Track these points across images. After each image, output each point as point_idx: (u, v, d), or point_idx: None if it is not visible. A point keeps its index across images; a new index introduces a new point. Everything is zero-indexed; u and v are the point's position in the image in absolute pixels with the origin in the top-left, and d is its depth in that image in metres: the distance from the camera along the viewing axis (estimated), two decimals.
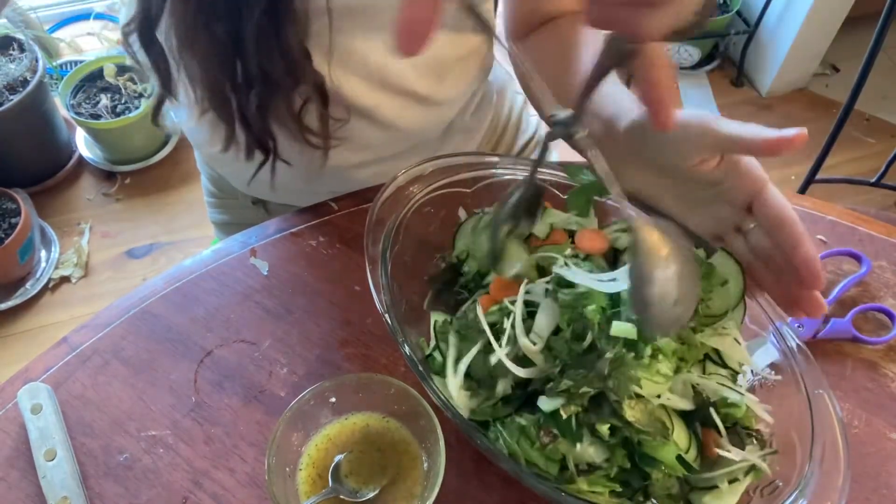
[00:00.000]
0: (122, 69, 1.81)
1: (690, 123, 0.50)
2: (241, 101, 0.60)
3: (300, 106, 0.62)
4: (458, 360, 0.52)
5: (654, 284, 0.41)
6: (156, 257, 1.74)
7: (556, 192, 0.61)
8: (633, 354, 0.46)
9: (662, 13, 0.32)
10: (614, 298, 0.48)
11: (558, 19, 0.72)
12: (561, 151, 0.98)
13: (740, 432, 0.50)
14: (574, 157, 0.68)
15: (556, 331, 0.49)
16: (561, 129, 0.42)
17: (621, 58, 0.38)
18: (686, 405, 0.49)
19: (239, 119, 0.62)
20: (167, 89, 0.63)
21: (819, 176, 1.30)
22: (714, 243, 0.54)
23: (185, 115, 0.74)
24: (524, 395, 0.50)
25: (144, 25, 0.58)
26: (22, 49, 1.71)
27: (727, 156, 0.50)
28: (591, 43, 0.68)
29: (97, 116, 1.76)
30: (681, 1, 0.32)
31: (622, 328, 0.45)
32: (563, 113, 0.42)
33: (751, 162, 0.50)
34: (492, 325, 0.51)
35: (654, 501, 0.49)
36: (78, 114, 1.75)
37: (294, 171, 0.70)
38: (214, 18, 0.55)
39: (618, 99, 0.57)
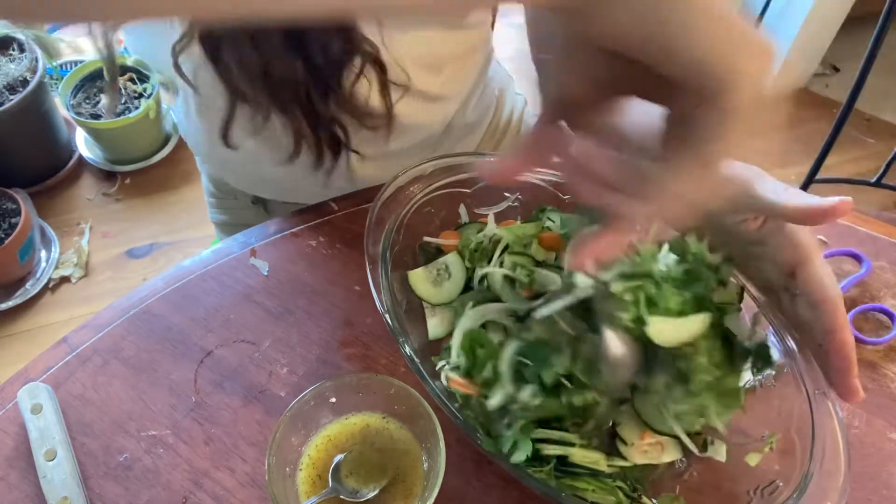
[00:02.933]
0: (122, 69, 1.81)
1: (731, 181, 0.47)
2: (308, 95, 0.60)
3: (353, 82, 0.61)
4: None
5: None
6: (156, 257, 1.74)
7: (557, 193, 0.61)
8: None
9: (641, 206, 0.31)
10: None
11: None
12: None
13: None
14: None
15: None
16: None
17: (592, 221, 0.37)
18: None
19: (306, 115, 0.62)
20: (240, 95, 0.61)
21: (819, 176, 1.30)
22: (765, 295, 0.52)
23: (182, 112, 0.74)
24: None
25: (208, 41, 0.57)
26: (22, 49, 1.71)
27: (771, 218, 0.47)
28: None
29: (97, 116, 1.75)
30: (660, 204, 0.30)
31: None
32: None
33: (797, 228, 0.47)
34: None
35: (654, 502, 0.49)
36: (78, 114, 1.75)
37: (361, 162, 0.71)
38: None
39: None
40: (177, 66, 0.60)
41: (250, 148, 0.71)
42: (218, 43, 0.57)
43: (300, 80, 0.59)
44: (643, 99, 0.31)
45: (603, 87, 0.32)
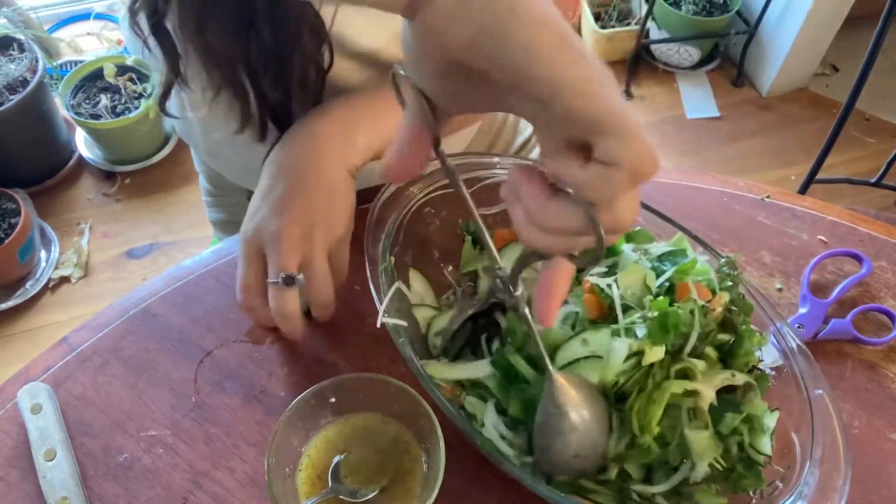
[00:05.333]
0: (122, 69, 1.81)
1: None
2: (258, 74, 0.60)
3: (304, 70, 0.61)
4: None
5: (558, 436, 0.46)
6: (156, 257, 1.74)
7: None
8: None
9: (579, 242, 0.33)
10: None
11: None
12: None
13: None
14: None
15: None
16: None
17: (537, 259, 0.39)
18: None
19: (256, 92, 0.61)
20: (176, 71, 0.62)
21: (819, 176, 1.30)
22: None
23: (176, 107, 0.74)
24: None
25: (151, 4, 0.57)
26: (22, 49, 1.71)
27: None
28: None
29: (97, 116, 1.76)
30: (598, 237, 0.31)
31: None
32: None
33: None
34: None
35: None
36: (78, 114, 1.75)
37: None
38: None
39: None
40: (135, 25, 0.60)
41: (192, 119, 0.71)
42: (161, 16, 0.57)
43: (250, 61, 0.58)
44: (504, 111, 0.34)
45: (457, 98, 0.34)
